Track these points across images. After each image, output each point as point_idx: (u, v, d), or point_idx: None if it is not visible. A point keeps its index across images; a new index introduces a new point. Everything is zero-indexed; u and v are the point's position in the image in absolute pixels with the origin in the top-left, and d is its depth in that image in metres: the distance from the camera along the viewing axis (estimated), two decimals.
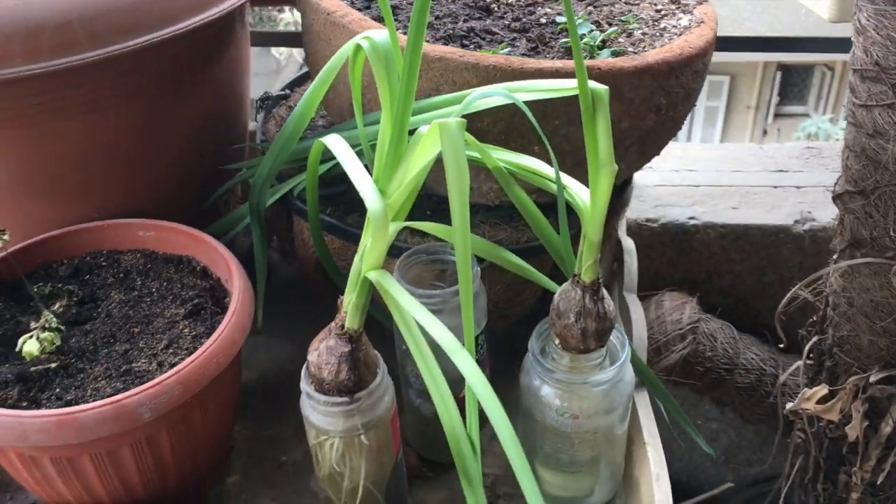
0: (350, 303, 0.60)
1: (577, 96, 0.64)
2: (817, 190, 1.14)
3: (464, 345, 0.55)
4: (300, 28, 0.81)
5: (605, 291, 0.63)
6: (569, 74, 0.66)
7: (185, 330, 0.71)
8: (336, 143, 0.61)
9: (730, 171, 1.20)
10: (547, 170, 0.63)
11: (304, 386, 0.64)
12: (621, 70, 0.66)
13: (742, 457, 1.30)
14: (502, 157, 0.64)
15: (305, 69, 1.01)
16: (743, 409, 1.14)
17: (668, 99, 0.70)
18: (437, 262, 0.74)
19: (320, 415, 0.64)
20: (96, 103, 0.71)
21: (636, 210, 1.11)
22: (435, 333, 0.55)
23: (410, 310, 0.56)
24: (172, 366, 0.67)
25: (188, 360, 0.65)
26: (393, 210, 0.59)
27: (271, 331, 0.91)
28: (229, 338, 0.68)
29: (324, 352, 0.62)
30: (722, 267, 1.13)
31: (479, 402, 0.57)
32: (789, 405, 0.99)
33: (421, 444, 0.79)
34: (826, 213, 1.09)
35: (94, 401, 0.64)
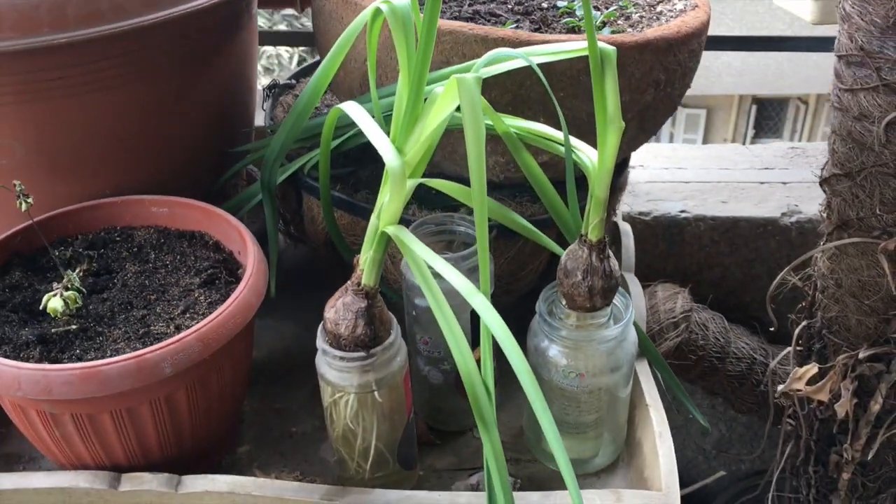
0: (367, 259, 0.63)
1: (581, 70, 0.68)
2: (803, 185, 1.18)
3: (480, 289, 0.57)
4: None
5: (610, 251, 0.66)
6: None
7: (201, 297, 0.73)
8: (353, 108, 0.64)
9: (718, 168, 1.24)
10: (555, 135, 0.66)
11: (321, 343, 0.66)
12: (623, 44, 0.70)
13: (733, 451, 1.33)
14: (511, 123, 0.67)
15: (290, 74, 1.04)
16: (734, 397, 1.17)
17: (666, 75, 0.74)
18: (445, 232, 0.76)
19: (336, 371, 0.66)
20: (119, 78, 0.73)
21: (629, 204, 1.14)
22: (452, 279, 0.58)
23: (427, 259, 0.59)
24: (189, 328, 0.69)
25: (207, 318, 0.67)
26: (410, 167, 0.61)
27: (278, 313, 0.93)
28: (245, 300, 0.70)
29: (341, 308, 0.64)
30: (712, 259, 1.16)
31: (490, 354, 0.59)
32: (780, 387, 1.02)
33: (429, 413, 0.81)
34: (812, 207, 1.13)
35: None
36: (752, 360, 1.14)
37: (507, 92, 0.71)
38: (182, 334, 0.65)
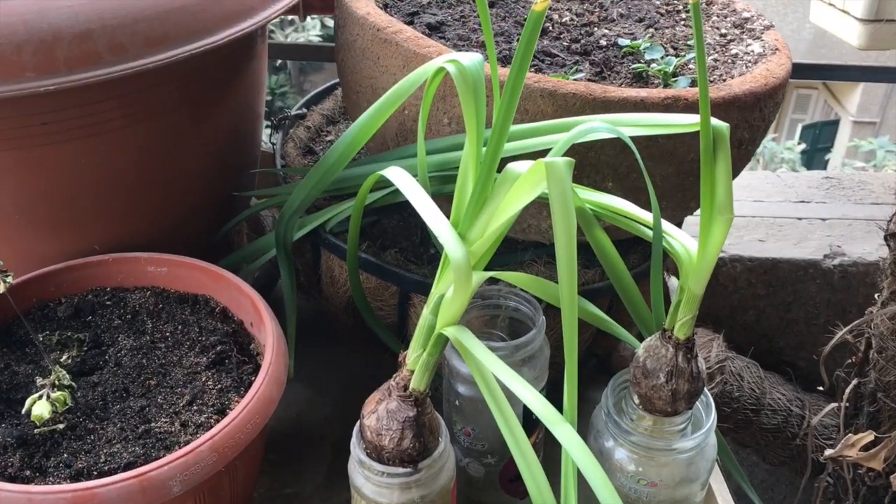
0: (419, 361, 0.53)
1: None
2: (843, 223, 1.10)
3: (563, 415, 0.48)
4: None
5: (698, 351, 0.57)
6: (655, 104, 0.59)
7: (209, 383, 0.63)
8: (402, 178, 0.54)
9: (751, 200, 1.15)
10: (639, 215, 0.56)
11: (357, 452, 0.56)
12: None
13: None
14: (587, 197, 0.57)
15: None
16: (767, 450, 1.09)
17: (750, 133, 0.65)
18: (491, 306, 0.66)
19: (374, 486, 0.56)
20: (111, 123, 0.62)
21: None
22: (531, 402, 0.48)
23: (497, 372, 0.49)
24: (198, 426, 0.59)
25: (223, 423, 0.56)
26: (475, 258, 0.51)
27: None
28: (266, 395, 0.59)
29: (384, 416, 0.54)
30: (747, 302, 1.08)
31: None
32: (828, 451, 0.94)
33: None
34: (855, 248, 1.05)
35: (108, 468, 0.56)
36: (787, 412, 1.06)
37: (574, 153, 0.61)
38: (194, 444, 0.55)
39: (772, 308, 1.08)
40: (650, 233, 0.55)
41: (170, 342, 0.66)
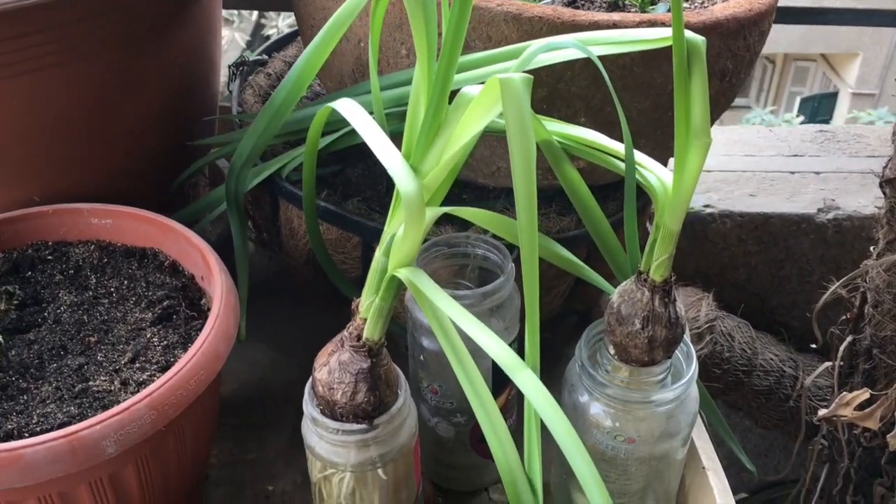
0: (371, 307, 0.48)
1: (634, 60, 0.54)
2: (838, 176, 1.06)
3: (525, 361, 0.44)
4: None
5: (676, 294, 0.53)
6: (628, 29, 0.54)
7: (154, 339, 0.58)
8: (351, 109, 0.49)
9: (742, 155, 1.10)
10: (610, 146, 0.51)
11: (310, 409, 0.52)
12: (686, 25, 0.55)
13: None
14: (554, 129, 0.52)
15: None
16: (759, 413, 1.05)
17: (734, 63, 0.60)
18: (458, 255, 0.62)
19: (328, 444, 0.52)
20: (44, 59, 0.58)
21: None
22: (490, 348, 0.44)
23: (456, 319, 0.45)
24: (139, 384, 0.55)
25: (162, 378, 0.52)
26: (429, 192, 0.47)
27: (249, 335, 0.78)
28: (212, 349, 0.55)
29: (336, 368, 0.50)
30: (737, 260, 1.03)
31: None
32: (822, 411, 0.90)
33: (435, 470, 0.67)
34: (850, 201, 1.01)
35: (41, 429, 0.51)
36: (780, 373, 1.02)
37: (542, 86, 0.56)
38: (129, 401, 0.50)
39: (763, 265, 1.03)
40: (622, 165, 0.51)
41: (114, 298, 0.62)
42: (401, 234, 0.46)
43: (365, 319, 0.49)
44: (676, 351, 0.57)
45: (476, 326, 0.44)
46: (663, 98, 0.59)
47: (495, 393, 0.59)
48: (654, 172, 0.49)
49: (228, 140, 0.71)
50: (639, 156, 0.50)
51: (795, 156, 1.10)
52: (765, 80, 8.78)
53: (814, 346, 0.92)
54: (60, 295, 0.62)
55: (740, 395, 1.03)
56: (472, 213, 0.49)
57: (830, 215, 1.00)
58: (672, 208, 0.47)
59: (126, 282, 0.63)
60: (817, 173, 1.06)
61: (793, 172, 1.06)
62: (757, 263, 1.03)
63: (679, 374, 0.56)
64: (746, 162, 1.09)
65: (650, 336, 0.52)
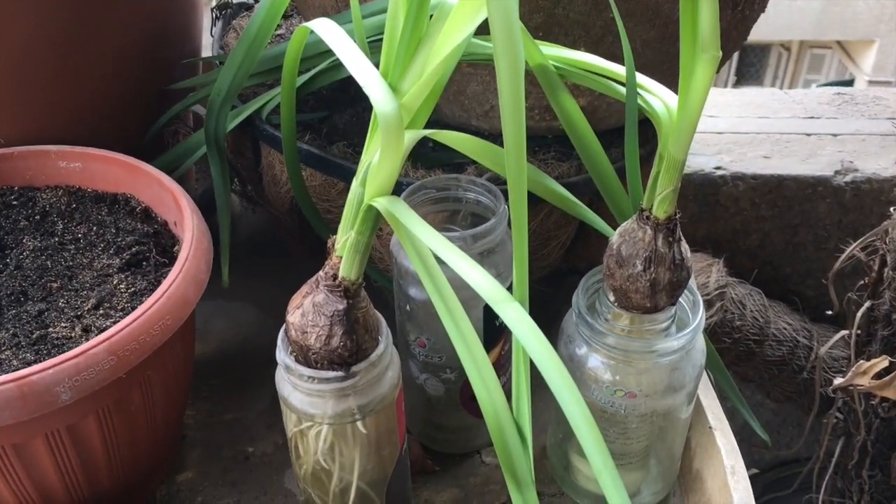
0: (347, 243, 0.44)
1: None
2: (856, 138, 1.01)
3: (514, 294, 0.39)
4: None
5: (681, 233, 0.48)
6: None
7: (121, 286, 0.54)
8: (326, 28, 0.45)
9: (755, 116, 1.06)
10: (611, 69, 0.47)
11: (283, 357, 0.48)
12: None
13: (758, 438, 1.17)
14: (550, 52, 0.48)
15: None
16: (771, 385, 1.01)
17: None
18: (449, 199, 0.58)
19: (303, 394, 0.48)
20: None
21: None
22: (472, 279, 0.39)
23: (435, 247, 0.40)
24: (102, 331, 0.51)
25: (123, 322, 0.48)
26: (409, 113, 0.42)
27: (230, 293, 0.74)
28: (179, 294, 0.51)
29: (310, 310, 0.46)
30: (750, 225, 0.99)
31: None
32: (838, 380, 0.85)
33: (425, 431, 0.63)
34: (869, 164, 0.96)
35: None
36: (794, 342, 0.97)
37: (538, 11, 0.52)
38: (86, 345, 0.46)
39: (777, 231, 0.98)
40: (624, 91, 0.46)
41: (81, 244, 0.58)
42: (377, 159, 0.42)
43: (341, 257, 0.45)
44: (682, 299, 0.53)
45: (459, 258, 0.40)
46: (670, 28, 0.54)
47: (487, 348, 0.55)
48: (657, 95, 0.44)
49: (207, 82, 0.67)
50: (641, 78, 0.46)
51: (812, 118, 1.05)
52: (780, 68, 8.67)
53: (829, 312, 0.87)
54: (24, 240, 0.58)
55: (752, 366, 0.98)
56: (455, 138, 0.44)
57: (848, 178, 0.95)
58: (677, 133, 0.43)
59: (95, 228, 0.59)
60: (834, 135, 1.01)
61: (808, 134, 1.01)
62: (770, 229, 0.99)
63: (684, 326, 0.52)
64: (760, 124, 1.04)
65: (652, 279, 0.48)
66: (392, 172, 0.42)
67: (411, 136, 0.42)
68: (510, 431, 0.41)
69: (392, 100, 0.40)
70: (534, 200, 0.61)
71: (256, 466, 0.62)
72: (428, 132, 0.43)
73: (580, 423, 0.36)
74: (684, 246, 0.48)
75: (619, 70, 0.46)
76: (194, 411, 0.66)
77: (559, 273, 0.71)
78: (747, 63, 8.28)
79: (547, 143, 0.64)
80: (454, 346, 0.52)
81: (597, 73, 0.47)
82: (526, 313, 0.38)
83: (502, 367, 0.59)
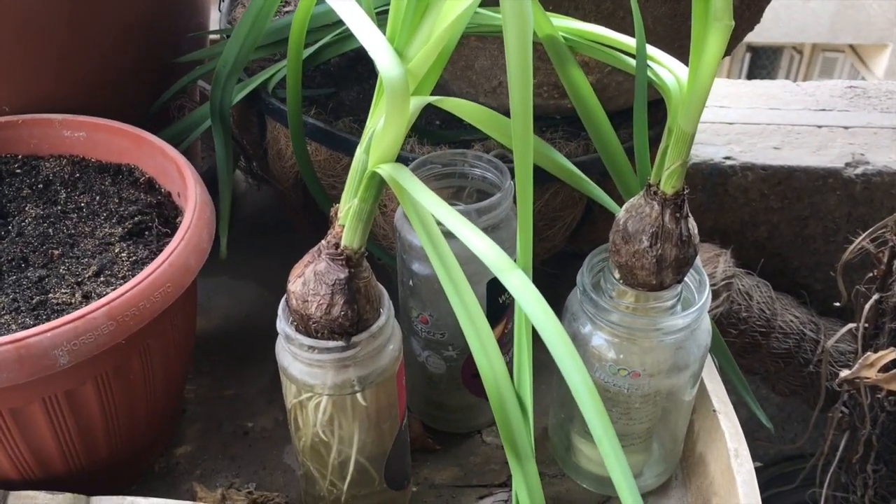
0: (350, 211, 0.44)
1: None
2: (868, 131, 1.00)
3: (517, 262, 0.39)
4: None
5: (688, 209, 0.48)
6: None
7: (123, 254, 0.54)
8: None
9: (766, 108, 1.05)
10: (622, 41, 0.46)
11: (283, 326, 0.47)
12: None
13: (762, 431, 1.16)
14: (560, 24, 0.47)
15: None
16: (776, 378, 1.00)
17: None
18: (454, 175, 0.57)
19: (303, 364, 0.47)
20: None
21: None
22: (477, 246, 0.39)
23: (438, 214, 0.40)
24: (102, 297, 0.50)
25: (124, 287, 0.48)
26: (415, 79, 0.42)
27: (233, 270, 0.74)
28: (181, 261, 0.51)
29: (311, 279, 0.45)
30: (758, 216, 0.98)
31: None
32: (844, 372, 0.85)
33: (425, 410, 0.63)
34: (880, 157, 0.95)
35: None
36: (800, 335, 0.96)
37: None
38: (85, 309, 0.46)
39: (786, 223, 0.98)
40: (634, 63, 0.46)
41: (83, 213, 0.58)
42: (381, 125, 0.41)
43: (343, 226, 0.45)
44: (688, 278, 0.52)
45: (464, 226, 0.40)
46: (682, 4, 0.54)
47: (490, 324, 0.54)
48: (668, 67, 0.44)
49: (213, 54, 0.66)
50: (652, 50, 0.45)
51: (823, 110, 1.04)
52: (791, 71, 8.63)
53: (837, 304, 0.86)
54: (27, 209, 0.58)
55: (757, 359, 0.97)
56: (462, 106, 0.44)
57: (859, 170, 0.94)
58: (687, 105, 0.42)
59: (98, 197, 0.59)
60: (846, 128, 1.01)
61: (820, 126, 1.00)
62: (779, 221, 0.98)
63: (689, 306, 0.52)
64: (771, 115, 1.03)
65: (659, 255, 0.47)
66: (396, 139, 0.41)
67: (417, 103, 0.42)
68: (511, 403, 0.40)
69: (398, 64, 0.40)
70: (541, 179, 0.60)
71: (256, 441, 0.62)
72: (434, 98, 0.42)
73: (582, 391, 0.35)
74: (691, 222, 0.48)
75: (630, 42, 0.45)
76: (195, 386, 0.66)
77: (565, 257, 0.71)
78: (759, 65, 8.25)
79: (555, 122, 0.64)
80: (457, 319, 0.51)
81: (607, 46, 0.46)
82: (529, 281, 0.38)
83: (504, 345, 0.59)
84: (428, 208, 0.41)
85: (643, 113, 0.48)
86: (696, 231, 0.48)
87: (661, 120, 0.65)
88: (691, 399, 0.55)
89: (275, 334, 0.69)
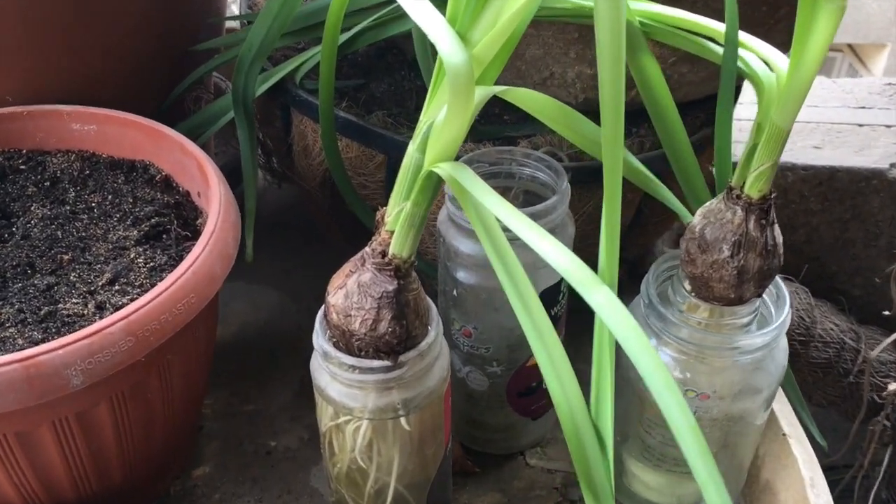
0: (401, 215, 0.39)
1: None
2: None
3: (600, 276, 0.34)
4: None
5: (774, 215, 0.43)
6: None
7: (139, 260, 0.49)
8: None
9: (805, 105, 0.99)
10: (712, 26, 0.41)
11: (321, 342, 0.42)
12: None
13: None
14: (638, 8, 0.42)
15: None
16: (814, 388, 0.95)
17: None
18: (501, 175, 0.52)
19: (343, 385, 0.43)
20: None
21: None
22: (554, 259, 0.34)
23: (511, 224, 0.35)
24: (118, 309, 0.45)
25: (143, 299, 0.43)
26: (479, 65, 0.37)
27: (251, 273, 0.69)
28: (206, 270, 0.46)
29: (354, 291, 0.40)
30: (798, 219, 0.93)
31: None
32: (893, 385, 0.80)
33: (465, 430, 0.58)
34: None
35: None
36: (840, 344, 0.92)
37: None
38: (101, 324, 0.41)
39: (826, 226, 0.93)
40: (720, 51, 0.41)
41: (95, 213, 0.53)
42: (442, 118, 0.36)
43: (392, 232, 0.40)
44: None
45: (535, 232, 0.35)
46: None
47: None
48: (762, 54, 0.39)
49: (233, 42, 0.61)
50: (743, 36, 0.40)
51: (863, 108, 1.00)
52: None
53: (887, 312, 0.82)
54: (32, 209, 0.53)
55: (795, 369, 0.93)
56: (531, 98, 0.39)
57: None
58: (785, 97, 0.38)
59: (110, 196, 0.54)
60: (888, 126, 0.96)
61: (861, 125, 0.96)
62: (819, 223, 0.93)
63: (763, 322, 0.47)
64: (809, 113, 0.98)
65: (740, 266, 0.42)
66: (458, 134, 0.36)
67: (482, 93, 0.37)
68: (588, 435, 0.36)
69: (462, 50, 0.35)
70: (589, 181, 0.56)
71: (279, 462, 0.57)
72: (501, 89, 0.38)
73: (685, 433, 0.31)
74: (777, 230, 0.43)
75: (716, 27, 0.40)
76: (212, 400, 0.61)
77: None
78: None
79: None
80: (503, 333, 0.47)
81: (690, 32, 0.41)
82: (617, 299, 0.33)
83: None
84: (496, 214, 0.36)
85: (729, 107, 0.44)
86: (781, 240, 0.44)
87: (705, 122, 0.61)
88: (762, 424, 0.50)
89: (297, 344, 0.64)
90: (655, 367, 0.32)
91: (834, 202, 0.92)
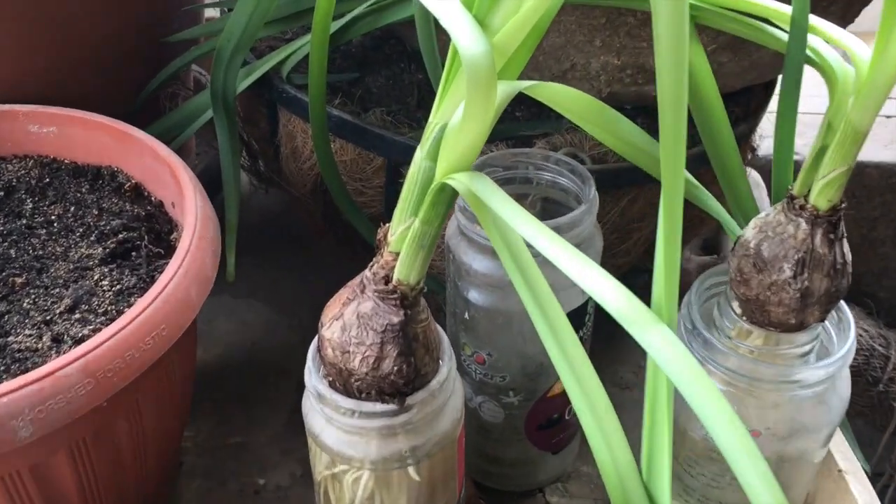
0: (408, 234, 0.33)
1: None
2: None
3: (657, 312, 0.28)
4: None
5: (843, 229, 0.37)
6: None
7: (104, 282, 0.43)
8: None
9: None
10: (778, 8, 0.35)
11: (314, 382, 0.36)
12: None
13: None
14: None
15: None
16: None
17: None
18: (517, 180, 0.46)
19: (340, 430, 0.36)
20: None
21: None
22: (600, 292, 0.28)
23: (543, 249, 0.29)
24: (79, 341, 0.39)
25: (107, 332, 0.36)
26: (502, 57, 0.31)
27: (235, 288, 0.62)
28: (180, 295, 0.39)
29: (353, 324, 0.34)
30: None
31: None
32: None
33: (476, 463, 0.52)
34: None
35: None
36: (870, 351, 0.86)
37: None
38: (54, 364, 0.35)
39: (853, 224, 0.88)
40: (784, 37, 0.35)
41: (54, 228, 0.46)
42: (458, 120, 0.30)
43: (397, 254, 0.34)
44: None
45: (574, 256, 0.29)
46: None
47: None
48: (837, 41, 0.33)
49: (212, 32, 0.55)
50: (816, 21, 0.34)
51: (890, 98, 0.94)
52: None
53: None
54: None
55: None
56: (562, 94, 0.32)
57: None
58: (866, 93, 0.32)
59: (73, 208, 0.48)
60: None
61: (889, 117, 0.90)
62: (846, 222, 0.87)
63: (822, 350, 0.41)
64: None
65: (804, 288, 0.36)
66: (478, 139, 0.30)
67: (506, 90, 0.31)
68: (637, 498, 0.29)
69: (481, 38, 0.29)
70: (616, 183, 0.50)
71: (269, 503, 0.51)
72: (526, 84, 0.31)
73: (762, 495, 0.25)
74: (846, 245, 0.37)
75: (781, 8, 0.34)
76: (193, 432, 0.54)
77: (632, 271, 0.60)
78: None
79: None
80: (522, 361, 0.41)
81: (744, 14, 0.35)
82: (678, 340, 0.27)
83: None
84: (523, 234, 0.30)
85: (794, 102, 0.38)
86: (850, 256, 0.38)
87: (741, 118, 0.55)
88: (819, 462, 0.44)
89: (287, 369, 0.58)
90: (730, 426, 0.25)
91: (862, 199, 0.86)
